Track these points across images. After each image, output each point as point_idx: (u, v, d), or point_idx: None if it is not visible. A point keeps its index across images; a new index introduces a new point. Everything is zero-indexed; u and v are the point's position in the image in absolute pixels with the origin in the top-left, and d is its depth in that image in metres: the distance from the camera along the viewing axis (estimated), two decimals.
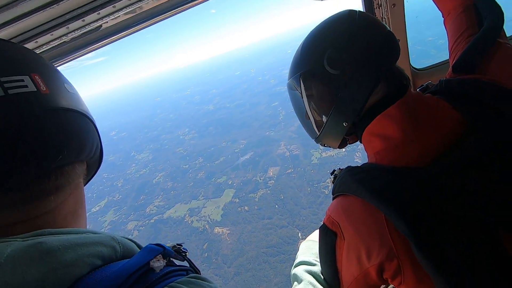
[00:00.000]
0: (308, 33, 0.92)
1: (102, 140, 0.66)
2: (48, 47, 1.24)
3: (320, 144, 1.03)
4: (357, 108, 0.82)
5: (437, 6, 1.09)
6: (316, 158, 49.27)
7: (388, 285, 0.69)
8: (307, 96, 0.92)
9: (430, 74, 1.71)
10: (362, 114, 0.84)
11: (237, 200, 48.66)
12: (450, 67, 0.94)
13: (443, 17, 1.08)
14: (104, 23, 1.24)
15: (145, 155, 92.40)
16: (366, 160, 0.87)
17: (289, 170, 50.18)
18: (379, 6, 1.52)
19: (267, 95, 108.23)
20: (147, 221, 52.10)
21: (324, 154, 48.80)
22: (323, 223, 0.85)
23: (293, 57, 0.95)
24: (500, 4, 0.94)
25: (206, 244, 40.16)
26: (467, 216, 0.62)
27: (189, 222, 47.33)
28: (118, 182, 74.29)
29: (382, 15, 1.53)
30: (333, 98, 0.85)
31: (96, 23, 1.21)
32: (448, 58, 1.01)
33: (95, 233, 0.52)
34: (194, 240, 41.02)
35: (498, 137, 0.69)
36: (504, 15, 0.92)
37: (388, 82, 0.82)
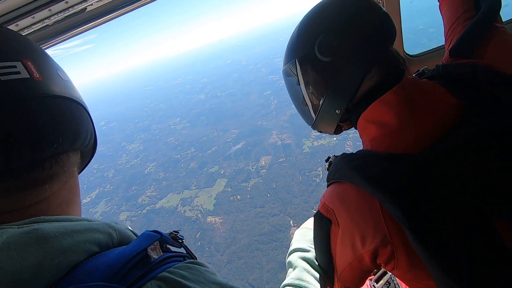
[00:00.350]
0: (303, 17, 0.90)
1: (95, 129, 0.65)
2: (30, 31, 1.17)
3: (316, 130, 1.03)
4: (348, 95, 0.82)
5: None
6: (307, 147, 49.54)
7: (380, 269, 0.85)
8: (301, 82, 0.91)
9: (424, 60, 1.69)
10: (356, 101, 0.84)
11: (230, 190, 48.83)
12: (447, 51, 0.93)
13: (438, 1, 1.06)
14: (89, 5, 1.18)
15: (136, 145, 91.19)
16: (357, 149, 0.86)
17: (281, 159, 50.41)
18: None
19: (259, 84, 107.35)
20: (139, 212, 51.89)
21: (315, 143, 49.09)
22: (318, 210, 0.84)
23: (288, 42, 0.94)
24: None
25: (199, 233, 40.40)
26: (464, 201, 0.62)
27: (182, 212, 47.35)
28: (109, 173, 73.29)
29: None
30: (326, 85, 0.84)
31: (80, 5, 1.15)
32: (442, 44, 1.01)
33: (90, 221, 0.52)
34: (187, 230, 41.21)
35: (494, 123, 0.67)
36: None
37: (383, 67, 0.81)
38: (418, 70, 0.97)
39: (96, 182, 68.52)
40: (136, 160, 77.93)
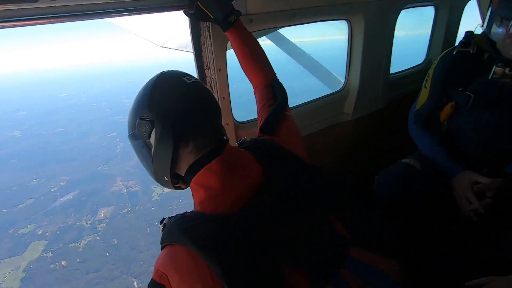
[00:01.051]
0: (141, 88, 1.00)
1: None
2: None
3: None
4: (167, 168, 0.94)
5: (248, 79, 1.43)
6: (157, 194, 46.91)
7: None
8: (138, 150, 1.02)
9: (249, 127, 2.06)
10: (185, 170, 0.95)
11: (50, 255, 37.76)
12: (258, 127, 1.20)
13: (253, 87, 1.41)
14: None
15: None
16: None
17: (126, 210, 44.87)
18: (208, 68, 1.73)
19: (102, 124, 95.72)
20: None
21: (166, 190, 47.17)
22: (152, 278, 0.87)
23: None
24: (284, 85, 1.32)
25: None
26: (265, 256, 0.76)
27: None
28: None
29: (211, 75, 1.74)
30: (151, 157, 0.97)
31: None
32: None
33: None
34: None
35: (287, 191, 0.87)
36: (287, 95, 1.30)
37: (205, 139, 0.93)
38: (240, 139, 1.19)
39: None
40: None
